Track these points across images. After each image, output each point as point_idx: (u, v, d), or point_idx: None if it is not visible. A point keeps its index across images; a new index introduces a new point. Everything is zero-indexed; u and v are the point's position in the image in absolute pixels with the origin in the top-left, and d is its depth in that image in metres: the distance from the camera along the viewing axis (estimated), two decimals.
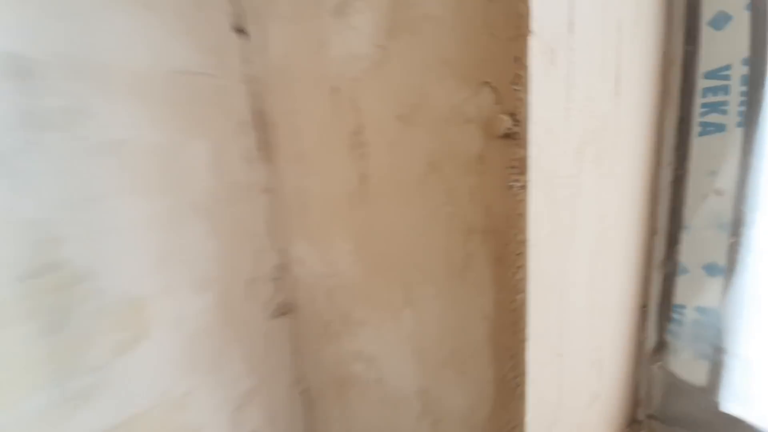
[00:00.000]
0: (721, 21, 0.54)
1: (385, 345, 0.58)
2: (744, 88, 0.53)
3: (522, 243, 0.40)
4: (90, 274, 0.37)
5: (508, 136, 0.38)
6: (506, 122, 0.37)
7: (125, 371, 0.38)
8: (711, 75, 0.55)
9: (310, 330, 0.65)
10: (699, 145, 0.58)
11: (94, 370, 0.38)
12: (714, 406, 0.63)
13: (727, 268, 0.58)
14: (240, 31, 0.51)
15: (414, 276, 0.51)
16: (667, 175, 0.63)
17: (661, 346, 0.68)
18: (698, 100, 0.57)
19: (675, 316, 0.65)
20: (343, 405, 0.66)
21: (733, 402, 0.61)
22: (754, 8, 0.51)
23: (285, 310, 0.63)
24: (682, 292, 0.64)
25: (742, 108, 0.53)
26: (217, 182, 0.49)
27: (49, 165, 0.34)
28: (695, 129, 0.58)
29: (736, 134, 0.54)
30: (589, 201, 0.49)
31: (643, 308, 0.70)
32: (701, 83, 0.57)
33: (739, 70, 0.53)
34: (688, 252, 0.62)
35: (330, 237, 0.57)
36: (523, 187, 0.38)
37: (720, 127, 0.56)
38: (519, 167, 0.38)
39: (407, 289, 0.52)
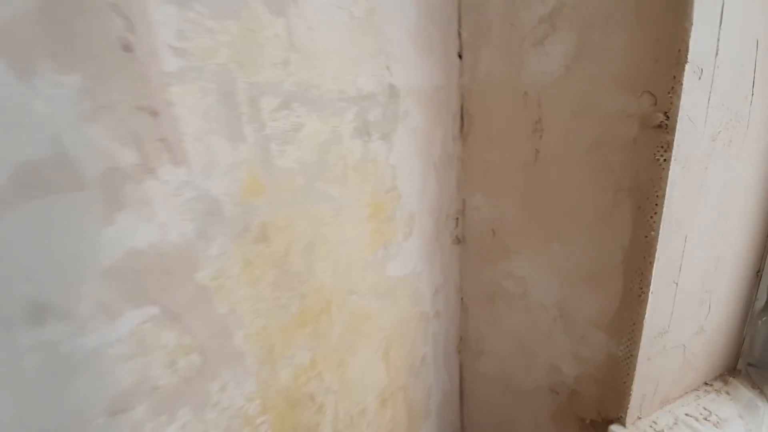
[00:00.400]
0: None
1: (533, 268, 0.84)
2: None
3: (660, 197, 0.61)
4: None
5: (660, 126, 0.59)
6: (660, 118, 0.58)
7: (408, 251, 0.73)
8: None
9: (474, 256, 0.94)
10: None
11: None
12: None
13: None
14: (460, 56, 0.79)
15: (566, 220, 0.75)
16: None
17: None
18: None
19: None
20: (491, 311, 0.95)
21: None
22: None
23: (460, 240, 0.93)
24: None
25: None
26: (442, 151, 0.79)
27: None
28: None
29: None
30: (717, 175, 0.67)
31: (757, 273, 0.83)
32: None
33: None
34: None
35: (501, 193, 0.84)
36: (666, 161, 0.59)
37: None
38: (665, 147, 0.59)
39: (559, 229, 0.77)
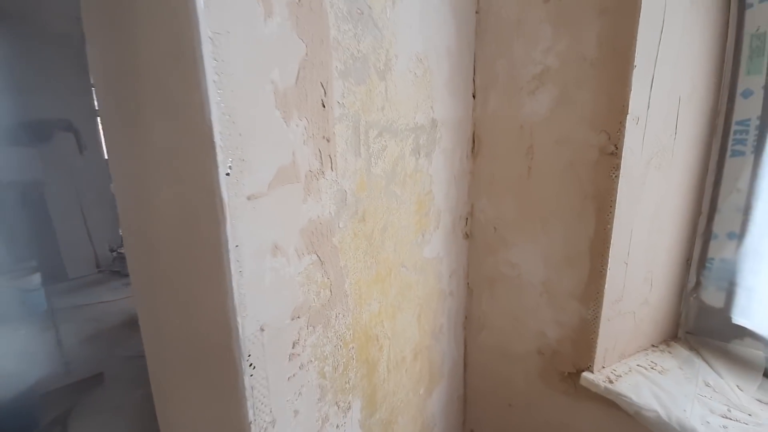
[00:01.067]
0: (747, 94, 0.95)
1: (525, 255, 1.10)
2: (756, 132, 0.94)
3: (613, 201, 0.89)
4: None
5: (612, 153, 0.87)
6: (612, 148, 0.86)
7: (435, 240, 0.97)
8: (739, 123, 0.97)
9: (479, 248, 1.20)
10: (729, 163, 1.00)
11: None
12: (728, 320, 1.05)
13: (739, 234, 1.00)
14: (474, 96, 1.07)
15: (549, 218, 1.02)
16: (710, 178, 1.05)
17: (698, 285, 1.11)
18: (731, 137, 0.99)
19: (707, 265, 1.07)
20: (491, 292, 1.21)
21: (739, 316, 1.02)
22: (766, 90, 0.92)
23: (468, 235, 1.19)
24: (712, 250, 1.06)
25: (755, 142, 0.95)
26: (459, 166, 1.06)
27: None
28: (728, 152, 1.00)
29: (750, 157, 0.96)
30: (652, 188, 0.96)
31: (687, 261, 1.13)
32: (734, 127, 0.99)
33: (755, 122, 0.94)
34: (718, 225, 1.04)
35: (502, 198, 1.11)
36: (617, 177, 0.87)
37: (742, 152, 0.97)
38: (615, 168, 0.87)
39: (544, 224, 1.04)
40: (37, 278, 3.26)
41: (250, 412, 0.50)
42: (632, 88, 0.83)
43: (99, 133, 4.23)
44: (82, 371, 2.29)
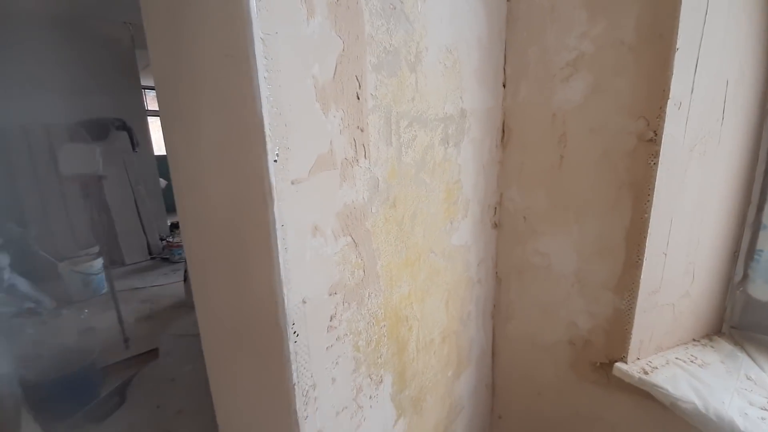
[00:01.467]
0: None
1: (556, 246, 1.09)
2: None
3: (651, 191, 0.86)
4: None
5: (651, 140, 0.85)
6: (651, 134, 0.84)
7: (463, 228, 1.00)
8: None
9: (508, 237, 1.20)
10: None
11: None
12: None
13: None
14: (504, 85, 1.06)
15: (582, 208, 1.01)
16: (761, 167, 0.99)
17: (745, 277, 1.04)
18: None
19: (756, 257, 1.01)
20: (520, 282, 1.21)
21: None
22: None
23: (497, 225, 1.20)
24: (762, 241, 1.00)
25: None
26: (488, 156, 1.06)
27: None
28: None
29: None
30: (695, 176, 0.92)
31: (735, 253, 1.06)
32: None
33: None
34: None
35: (532, 187, 1.10)
36: (656, 165, 0.85)
37: None
38: (654, 155, 0.84)
39: (577, 215, 1.03)
40: (98, 263, 3.62)
41: (294, 375, 0.56)
42: (674, 71, 0.80)
43: (149, 131, 4.57)
44: (139, 347, 2.53)
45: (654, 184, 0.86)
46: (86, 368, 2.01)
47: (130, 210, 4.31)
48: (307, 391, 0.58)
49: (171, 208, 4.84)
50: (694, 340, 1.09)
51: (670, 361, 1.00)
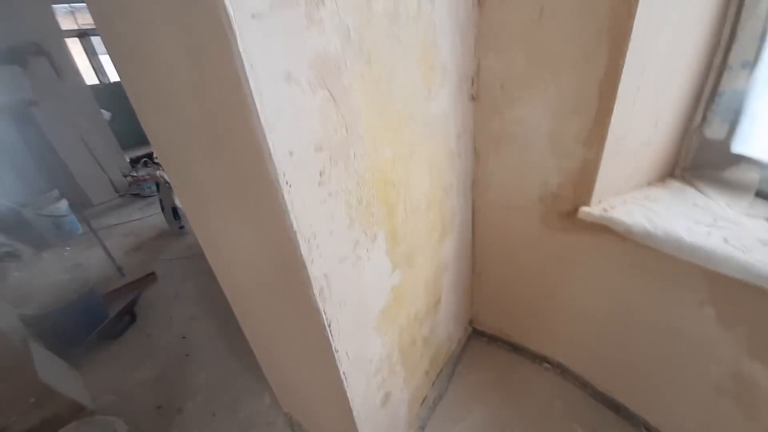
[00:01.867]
0: None
1: (533, 108, 1.11)
2: None
3: (629, 31, 0.85)
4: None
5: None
6: None
7: (441, 97, 0.98)
8: None
9: (485, 109, 1.20)
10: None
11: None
12: (727, 150, 1.09)
13: (753, 62, 0.97)
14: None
15: (560, 63, 0.99)
16: (733, 8, 0.97)
17: (703, 120, 1.12)
18: None
19: (716, 99, 1.07)
20: (497, 152, 1.26)
21: (739, 145, 1.06)
22: None
23: (475, 97, 1.18)
24: (725, 83, 1.04)
25: None
26: (464, 15, 0.98)
27: None
28: None
29: None
30: (672, 16, 0.90)
31: (697, 98, 1.12)
32: None
33: None
34: (734, 56, 1.01)
35: (510, 48, 1.06)
36: (636, 2, 0.82)
37: None
38: None
39: (554, 72, 1.02)
40: (64, 204, 3.44)
41: (294, 222, 0.60)
42: None
43: (71, 55, 3.89)
44: (136, 273, 2.60)
45: (633, 24, 0.84)
46: (86, 296, 2.06)
47: (78, 147, 3.94)
48: (309, 239, 0.63)
49: (125, 144, 4.45)
50: (648, 183, 1.21)
51: (627, 200, 1.13)
